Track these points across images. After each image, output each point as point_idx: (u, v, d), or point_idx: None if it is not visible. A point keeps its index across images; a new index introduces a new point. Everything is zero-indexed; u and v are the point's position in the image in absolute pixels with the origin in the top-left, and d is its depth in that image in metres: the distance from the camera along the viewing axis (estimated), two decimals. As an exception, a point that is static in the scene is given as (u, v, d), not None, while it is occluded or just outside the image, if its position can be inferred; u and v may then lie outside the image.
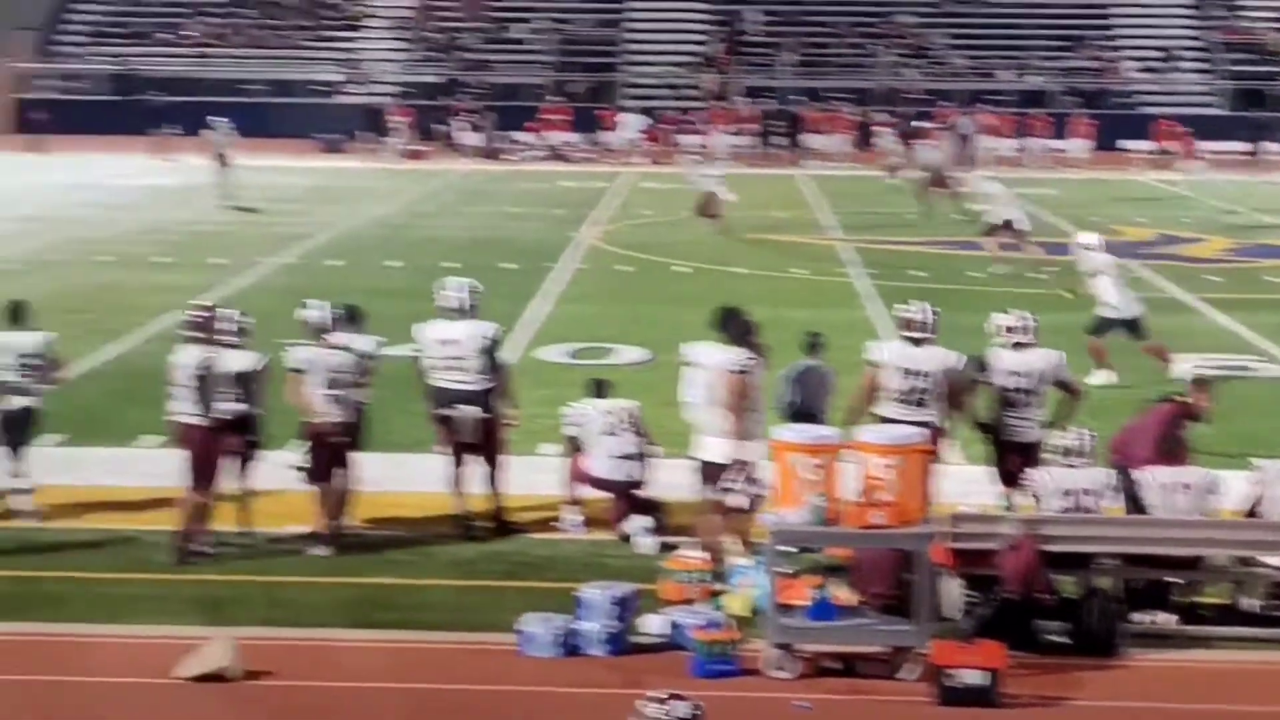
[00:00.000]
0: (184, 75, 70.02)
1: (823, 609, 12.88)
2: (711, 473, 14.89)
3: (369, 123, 62.32)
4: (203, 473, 15.12)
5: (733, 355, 15.02)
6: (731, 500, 14.59)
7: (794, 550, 13.80)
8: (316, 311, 15.76)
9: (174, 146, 57.22)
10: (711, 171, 40.23)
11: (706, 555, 14.50)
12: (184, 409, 15.15)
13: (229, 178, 44.48)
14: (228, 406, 15.16)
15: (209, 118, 46.95)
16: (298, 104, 68.99)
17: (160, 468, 17.77)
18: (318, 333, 15.64)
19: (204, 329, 15.34)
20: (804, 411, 15.60)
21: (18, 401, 16.29)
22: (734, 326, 15.35)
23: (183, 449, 15.24)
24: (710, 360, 15.13)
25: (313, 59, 72.02)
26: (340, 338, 15.78)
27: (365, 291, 25.23)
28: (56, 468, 17.48)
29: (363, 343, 16.09)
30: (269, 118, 67.57)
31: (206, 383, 15.02)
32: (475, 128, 62.94)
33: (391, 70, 71.72)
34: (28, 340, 16.39)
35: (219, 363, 15.12)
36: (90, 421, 19.92)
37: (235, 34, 73.54)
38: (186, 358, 15.18)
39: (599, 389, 16.50)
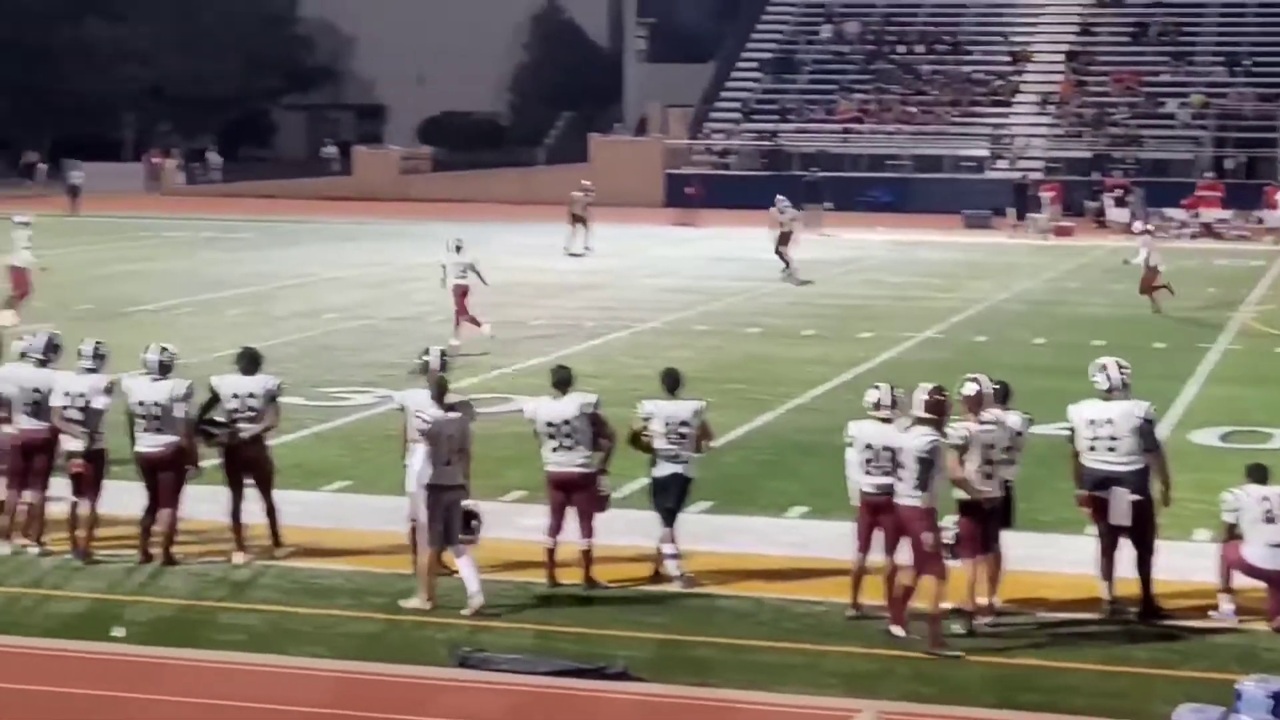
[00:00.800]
0: (831, 151, 71.15)
1: None
2: None
3: (1015, 198, 61.97)
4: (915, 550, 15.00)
5: None
6: None
7: None
8: (975, 387, 15.56)
9: (821, 221, 58.14)
10: (1154, 245, 38.60)
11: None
12: (902, 490, 15.06)
13: (789, 251, 45.14)
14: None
15: (777, 196, 47.60)
16: (944, 179, 69.29)
17: (807, 538, 17.97)
18: (973, 408, 15.44)
19: (939, 411, 15.15)
20: None
21: (668, 468, 16.63)
22: None
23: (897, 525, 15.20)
24: None
25: (960, 134, 72.18)
26: (992, 413, 15.57)
27: (1009, 367, 25.00)
28: (703, 534, 17.78)
29: (1013, 419, 15.85)
30: (916, 192, 68.17)
31: (931, 467, 14.87)
32: (1122, 203, 61.92)
33: (1039, 145, 71.28)
34: (681, 408, 16.72)
35: (942, 446, 14.99)
36: (737, 490, 20.21)
37: (883, 110, 74.33)
38: (915, 441, 15.00)
39: (1259, 475, 15.81)
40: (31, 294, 34.97)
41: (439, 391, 16.08)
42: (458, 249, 32.37)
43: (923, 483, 14.81)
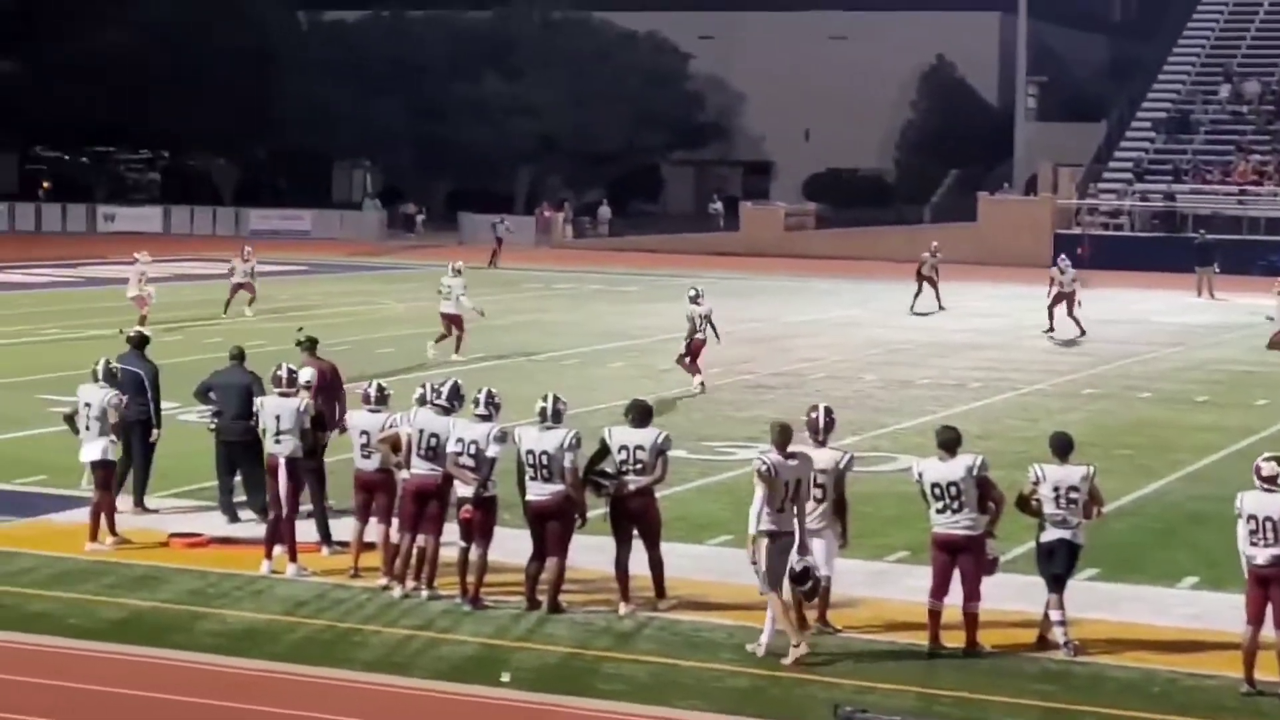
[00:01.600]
0: (1227, 213, 69.44)
1: None
2: None
3: None
4: None
5: None
6: None
7: None
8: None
9: (1215, 285, 56.77)
10: None
11: None
12: None
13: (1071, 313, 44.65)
14: None
15: (1060, 256, 46.80)
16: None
17: (1202, 609, 17.52)
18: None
19: None
20: None
21: (1056, 533, 16.33)
22: None
23: None
24: None
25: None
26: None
27: None
28: (1091, 602, 17.43)
29: None
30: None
31: None
32: None
33: None
34: (1071, 473, 16.41)
35: None
36: (1126, 558, 19.78)
37: (1282, 172, 72.44)
38: None
39: None
40: (467, 339, 37.46)
41: (782, 438, 16.11)
42: (697, 299, 33.05)
43: None
